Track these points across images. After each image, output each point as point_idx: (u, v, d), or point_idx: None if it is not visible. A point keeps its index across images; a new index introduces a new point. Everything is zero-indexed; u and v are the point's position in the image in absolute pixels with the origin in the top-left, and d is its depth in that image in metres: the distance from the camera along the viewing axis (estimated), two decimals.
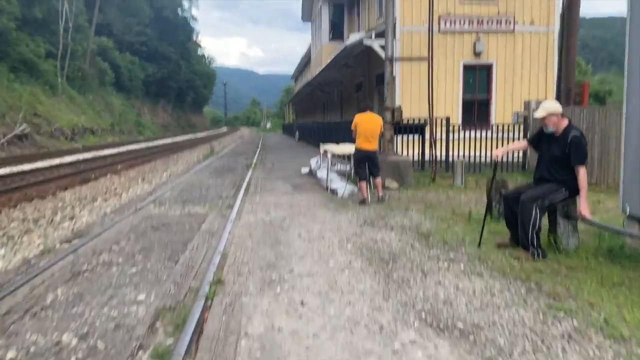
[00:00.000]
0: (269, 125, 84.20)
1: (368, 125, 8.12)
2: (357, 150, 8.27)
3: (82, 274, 4.65)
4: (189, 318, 3.51)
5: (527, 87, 15.00)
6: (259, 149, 24.38)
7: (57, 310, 3.79)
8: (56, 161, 17.59)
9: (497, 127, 12.56)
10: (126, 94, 55.09)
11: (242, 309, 3.72)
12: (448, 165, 12.32)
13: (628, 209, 4.85)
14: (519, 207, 4.81)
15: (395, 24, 12.89)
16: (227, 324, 3.46)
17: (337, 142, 14.97)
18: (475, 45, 14.73)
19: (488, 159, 12.52)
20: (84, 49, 43.83)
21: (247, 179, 11.53)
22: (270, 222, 6.75)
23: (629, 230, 4.63)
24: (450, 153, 12.56)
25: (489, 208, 6.42)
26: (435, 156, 10.56)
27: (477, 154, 12.48)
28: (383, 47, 13.37)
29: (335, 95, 26.99)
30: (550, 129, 4.82)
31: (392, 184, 9.48)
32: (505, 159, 12.53)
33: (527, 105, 12.92)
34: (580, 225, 5.05)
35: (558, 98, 13.60)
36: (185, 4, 73.98)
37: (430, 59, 10.09)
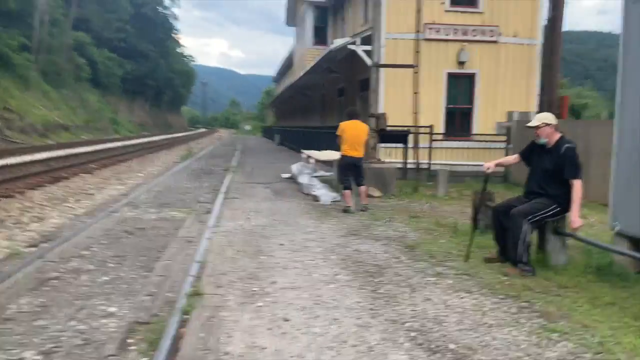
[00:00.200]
0: (248, 127, 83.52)
1: (354, 132, 7.97)
2: (343, 158, 8.10)
3: (48, 282, 4.35)
4: (164, 334, 3.27)
5: (509, 98, 15.05)
6: (238, 152, 24.05)
7: (20, 323, 3.50)
8: (27, 158, 16.97)
9: (480, 137, 12.59)
10: (102, 91, 53.96)
11: (221, 324, 3.50)
12: (430, 175, 12.25)
13: (617, 227, 4.78)
14: (510, 222, 4.70)
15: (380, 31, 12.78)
16: (205, 341, 3.23)
17: (320, 148, 14.82)
18: (459, 55, 14.73)
19: (470, 169, 12.53)
20: (60, 43, 42.79)
21: (226, 183, 11.25)
22: (250, 230, 6.52)
23: (620, 249, 4.55)
24: (433, 162, 12.51)
25: (475, 221, 6.31)
26: (419, 165, 10.47)
27: (459, 163, 12.49)
28: (367, 53, 13.32)
29: (317, 100, 26.85)
30: (543, 140, 4.72)
31: (375, 192, 9.34)
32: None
33: (509, 116, 12.99)
34: (569, 241, 4.97)
35: (540, 110, 13.68)
36: (166, 2, 72.76)
37: (415, 67, 9.99)
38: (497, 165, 5.08)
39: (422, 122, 13.39)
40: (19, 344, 3.17)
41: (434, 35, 14.65)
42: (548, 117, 4.74)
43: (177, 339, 3.26)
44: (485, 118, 14.95)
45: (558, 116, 13.03)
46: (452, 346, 3.21)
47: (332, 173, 11.36)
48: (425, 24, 14.39)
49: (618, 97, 4.87)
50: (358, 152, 8.01)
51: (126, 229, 6.58)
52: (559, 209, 4.68)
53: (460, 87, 15.13)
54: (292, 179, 12.05)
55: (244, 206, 8.36)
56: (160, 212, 7.86)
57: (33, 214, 8.28)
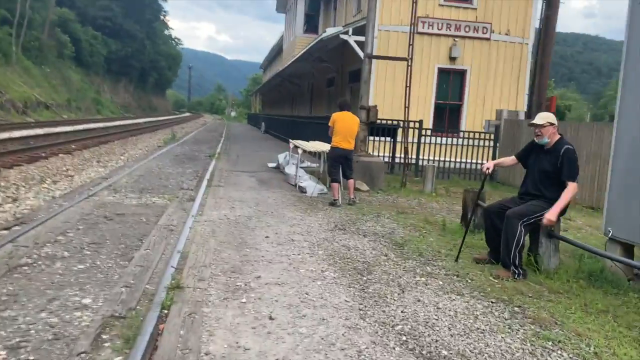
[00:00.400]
0: (233, 113, 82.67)
1: (346, 123, 7.78)
2: (334, 149, 7.91)
3: (20, 269, 4.11)
4: (142, 330, 3.07)
5: (498, 96, 15.02)
6: (223, 138, 23.70)
7: None
8: (4, 135, 16.44)
9: (468, 134, 12.51)
10: (86, 70, 52.81)
11: (203, 321, 3.31)
12: (418, 170, 12.15)
13: (611, 232, 4.69)
14: (504, 224, 4.58)
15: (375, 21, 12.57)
16: (185, 340, 3.04)
17: (307, 138, 14.61)
18: (451, 50, 14.61)
19: (457, 166, 12.46)
20: (43, 18, 41.69)
21: (210, 170, 11.00)
22: (235, 220, 6.32)
23: (613, 255, 4.46)
24: (420, 158, 12.41)
25: (466, 221, 6.20)
26: (409, 160, 10.34)
27: (446, 160, 12.40)
28: (359, 44, 13.11)
29: (305, 89, 26.56)
30: (545, 140, 4.59)
31: (363, 186, 9.19)
32: (474, 167, 12.50)
33: (499, 114, 12.92)
34: (561, 245, 4.88)
35: (529, 110, 13.68)
36: None
37: (409, 60, 9.83)
38: (496, 166, 4.95)
39: (411, 117, 13.26)
40: None
41: (426, 29, 14.52)
42: (552, 117, 4.61)
43: (155, 336, 3.07)
44: (474, 115, 14.91)
45: None
46: (444, 352, 3.07)
47: (318, 164, 11.18)
48: (419, 17, 14.22)
49: (618, 103, 4.76)
50: (350, 144, 7.84)
51: (105, 214, 6.32)
52: None
53: (451, 82, 15.05)
54: (278, 169, 11.85)
55: (228, 195, 8.14)
56: (141, 197, 7.60)
57: (8, 194, 7.95)
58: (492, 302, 3.97)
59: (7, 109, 27.60)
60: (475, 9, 14.79)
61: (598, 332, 3.48)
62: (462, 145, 12.46)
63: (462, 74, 15.00)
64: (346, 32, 13.62)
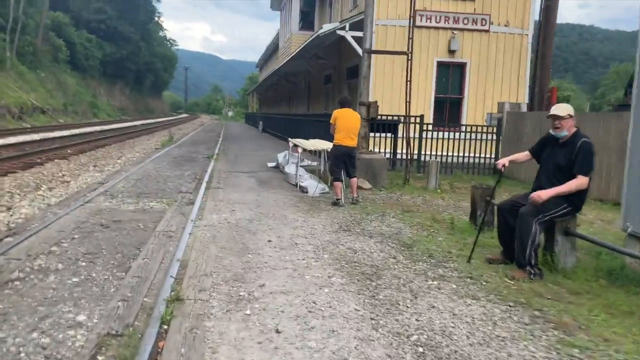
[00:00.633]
0: (230, 113, 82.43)
1: (348, 120, 7.56)
2: (337, 147, 7.68)
3: (10, 284, 3.89)
4: (140, 349, 2.87)
5: (499, 88, 14.80)
6: (220, 139, 23.46)
7: None
8: None
9: (470, 128, 12.29)
10: (81, 74, 52.49)
11: (205, 337, 3.10)
12: (420, 166, 11.94)
13: (630, 228, 4.48)
14: (518, 222, 4.36)
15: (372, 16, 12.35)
16: (187, 358, 2.83)
17: (305, 136, 14.39)
18: (450, 43, 14.39)
19: (459, 160, 12.25)
20: (36, 23, 41.34)
21: (208, 171, 10.78)
22: (235, 224, 6.10)
23: (637, 253, 4.24)
24: (422, 153, 12.20)
25: (475, 218, 6.00)
26: (411, 156, 10.12)
27: (448, 154, 12.19)
28: (356, 39, 12.89)
29: (302, 87, 26.32)
30: (564, 132, 4.37)
31: (365, 184, 8.98)
32: (477, 161, 12.29)
33: (500, 106, 12.71)
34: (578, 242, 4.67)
35: (531, 101, 13.47)
36: None
37: (409, 54, 9.60)
38: (510, 162, 4.73)
39: (411, 112, 13.05)
40: None
41: (424, 22, 14.29)
42: (571, 109, 4.39)
43: (155, 355, 2.87)
44: (475, 109, 14.70)
45: (548, 107, 12.86)
46: None
47: (318, 163, 10.97)
48: (416, 10, 13.99)
49: (635, 94, 4.54)
50: (352, 141, 7.62)
51: (101, 221, 6.10)
52: (570, 208, 4.36)
53: (450, 76, 14.83)
54: (278, 168, 11.63)
55: (228, 197, 7.93)
56: (138, 202, 7.38)
57: (1, 202, 7.75)
58: (510, 305, 3.76)
59: (3, 114, 27.34)
60: (474, 0, 14.56)
61: (625, 337, 3.28)
62: (464, 139, 12.24)
63: (461, 67, 14.79)
64: (343, 28, 13.40)
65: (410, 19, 9.74)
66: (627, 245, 4.54)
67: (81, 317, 3.35)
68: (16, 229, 5.73)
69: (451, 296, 3.93)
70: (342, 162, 7.71)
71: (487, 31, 14.66)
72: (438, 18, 14.39)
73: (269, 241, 5.37)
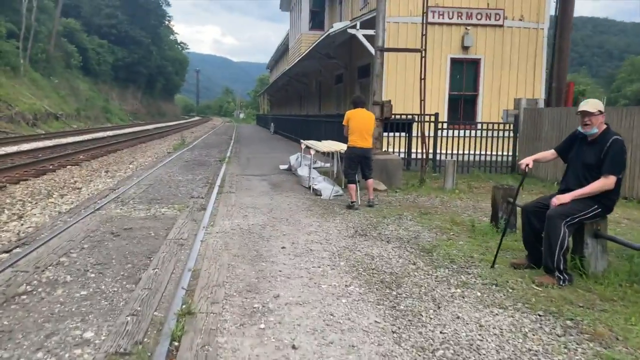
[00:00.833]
0: (242, 115, 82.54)
1: (362, 121, 7.35)
2: (351, 149, 7.48)
3: (17, 299, 3.76)
4: None
5: (514, 84, 14.49)
6: (232, 141, 23.38)
7: None
8: (12, 149, 16.28)
9: (487, 125, 12.01)
10: (94, 79, 52.94)
11: (217, 354, 2.93)
12: (435, 165, 11.69)
13: None
14: (546, 224, 4.13)
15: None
16: None
17: (317, 137, 14.21)
18: (463, 39, 14.11)
19: (476, 159, 11.97)
20: (49, 30, 41.76)
21: (220, 175, 10.65)
22: (248, 230, 5.93)
23: None
24: (437, 152, 11.95)
25: (496, 220, 5.78)
26: (427, 155, 9.89)
27: (464, 153, 11.92)
28: (368, 38, 12.68)
29: (313, 87, 26.15)
30: (594, 130, 4.13)
31: (380, 185, 8.76)
32: (494, 159, 12.01)
33: (517, 103, 12.40)
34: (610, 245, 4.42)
35: (548, 97, 13.14)
36: None
37: (423, 51, 9.37)
38: (535, 161, 4.49)
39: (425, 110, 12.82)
40: None
41: (437, 19, 14.03)
42: (601, 104, 4.14)
43: None
44: (489, 105, 14.41)
45: (565, 103, 12.53)
46: None
47: (331, 164, 10.78)
48: (429, 6, 13.74)
49: None
50: (367, 143, 7.41)
51: (112, 229, 5.98)
52: (600, 209, 4.12)
53: (464, 73, 14.55)
54: (290, 171, 11.46)
55: (240, 202, 7.77)
56: (149, 209, 7.25)
57: (13, 211, 7.70)
58: (539, 315, 3.54)
59: (17, 121, 27.59)
60: None
61: None
62: (480, 137, 11.96)
63: (475, 63, 14.50)
64: (354, 27, 13.18)
65: (423, 16, 9.51)
66: None
67: (89, 334, 3.20)
68: (26, 238, 5.63)
69: (476, 305, 3.72)
70: (356, 164, 7.51)
71: (501, 26, 14.36)
72: (451, 14, 14.13)
73: (283, 248, 5.19)
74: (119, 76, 61.40)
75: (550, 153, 4.60)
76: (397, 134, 11.73)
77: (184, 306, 3.60)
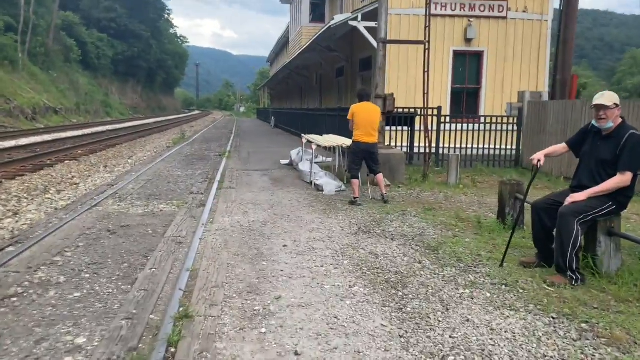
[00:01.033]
0: (242, 109, 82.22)
1: (367, 115, 7.18)
2: (356, 144, 7.31)
3: (7, 301, 3.61)
4: None
5: (518, 77, 14.28)
6: (233, 135, 23.20)
7: None
8: (11, 143, 16.11)
9: (490, 119, 11.83)
10: (93, 73, 52.62)
11: None
12: (438, 160, 11.52)
13: None
14: (558, 222, 3.97)
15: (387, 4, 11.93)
16: None
17: (319, 131, 14.03)
18: (466, 31, 13.89)
19: (479, 153, 11.80)
20: (47, 23, 41.40)
21: (220, 170, 10.48)
22: (249, 227, 5.78)
23: None
24: (440, 146, 11.77)
25: (503, 217, 5.62)
26: (430, 150, 9.71)
27: (467, 147, 11.74)
28: (369, 30, 12.46)
29: (314, 80, 25.92)
30: (610, 124, 3.95)
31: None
32: (497, 153, 11.84)
33: (521, 96, 12.21)
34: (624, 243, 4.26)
35: (553, 90, 12.93)
36: None
37: (427, 43, 9.18)
38: (546, 156, 4.32)
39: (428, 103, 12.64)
40: None
41: (439, 11, 13.80)
42: (616, 97, 3.96)
43: None
44: (493, 99, 14.20)
45: (569, 96, 12.33)
46: None
47: (332, 159, 10.61)
48: None
49: None
50: (373, 137, 7.24)
51: (108, 227, 5.83)
52: (614, 206, 3.96)
53: (467, 65, 14.33)
54: (291, 165, 11.30)
55: (240, 198, 7.61)
56: (148, 205, 7.10)
57: (8, 207, 7.54)
58: (553, 317, 3.39)
59: (16, 115, 27.38)
60: None
61: None
62: (484, 130, 11.78)
63: (478, 55, 14.28)
64: (355, 19, 12.96)
65: (426, 7, 9.30)
66: None
67: (81, 340, 3.05)
68: (20, 236, 5.47)
69: (486, 307, 3.56)
70: (361, 160, 7.34)
71: (504, 18, 14.13)
72: (454, 6, 13.89)
73: (285, 246, 5.04)
74: (119, 70, 61.05)
75: (561, 147, 4.43)
76: (399, 127, 11.54)
77: (181, 309, 3.45)
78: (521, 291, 3.86)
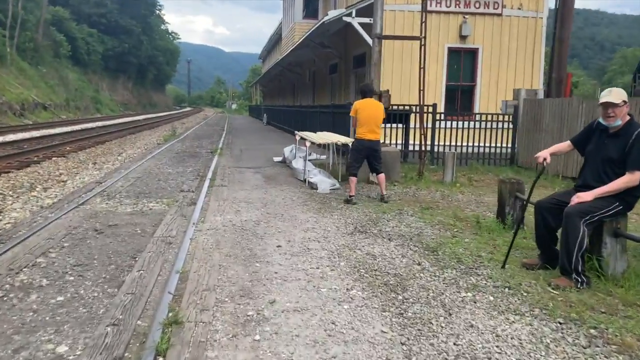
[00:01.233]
0: (234, 106, 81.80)
1: (370, 111, 7.00)
2: (359, 141, 7.13)
3: None
4: None
5: (513, 74, 14.17)
6: (224, 132, 22.96)
7: None
8: None
9: (485, 116, 11.71)
10: (83, 68, 52.03)
11: None
12: (433, 157, 11.39)
13: None
14: (563, 223, 3.83)
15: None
16: None
17: (312, 128, 13.86)
18: (461, 28, 13.76)
19: (474, 150, 11.68)
20: (36, 18, 40.83)
21: (212, 168, 10.28)
22: (241, 227, 5.60)
23: None
24: (435, 144, 11.63)
25: (503, 216, 5.48)
26: (426, 147, 9.57)
27: (462, 145, 11.61)
28: (363, 26, 12.29)
29: (307, 77, 25.70)
30: (618, 122, 3.81)
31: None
32: (492, 150, 11.73)
33: (516, 93, 12.11)
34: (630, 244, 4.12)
35: (548, 88, 12.85)
36: None
37: (422, 39, 9.03)
38: (552, 154, 4.17)
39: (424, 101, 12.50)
40: None
41: (434, 7, 13.65)
42: (624, 93, 3.83)
43: None
44: (487, 96, 14.09)
45: (564, 94, 12.25)
46: None
47: (326, 156, 10.45)
48: None
49: None
50: (376, 135, 7.08)
51: (95, 226, 5.62)
52: (621, 206, 3.82)
53: (462, 62, 14.20)
54: (284, 163, 11.11)
55: (232, 196, 7.42)
56: (137, 203, 6.89)
57: None
58: (560, 323, 3.24)
59: (4, 111, 26.93)
60: None
61: None
62: (479, 128, 11.66)
63: (473, 53, 14.15)
64: (349, 14, 12.78)
65: (422, 2, 9.14)
66: None
67: (62, 349, 2.86)
68: (2, 236, 5.25)
69: (490, 311, 3.41)
70: (363, 158, 7.18)
71: (499, 15, 14.01)
72: (449, 2, 13.75)
73: (279, 246, 4.86)
74: (109, 66, 60.44)
75: (565, 145, 4.29)
76: (394, 125, 11.39)
77: (170, 314, 3.26)
78: (525, 294, 3.71)
